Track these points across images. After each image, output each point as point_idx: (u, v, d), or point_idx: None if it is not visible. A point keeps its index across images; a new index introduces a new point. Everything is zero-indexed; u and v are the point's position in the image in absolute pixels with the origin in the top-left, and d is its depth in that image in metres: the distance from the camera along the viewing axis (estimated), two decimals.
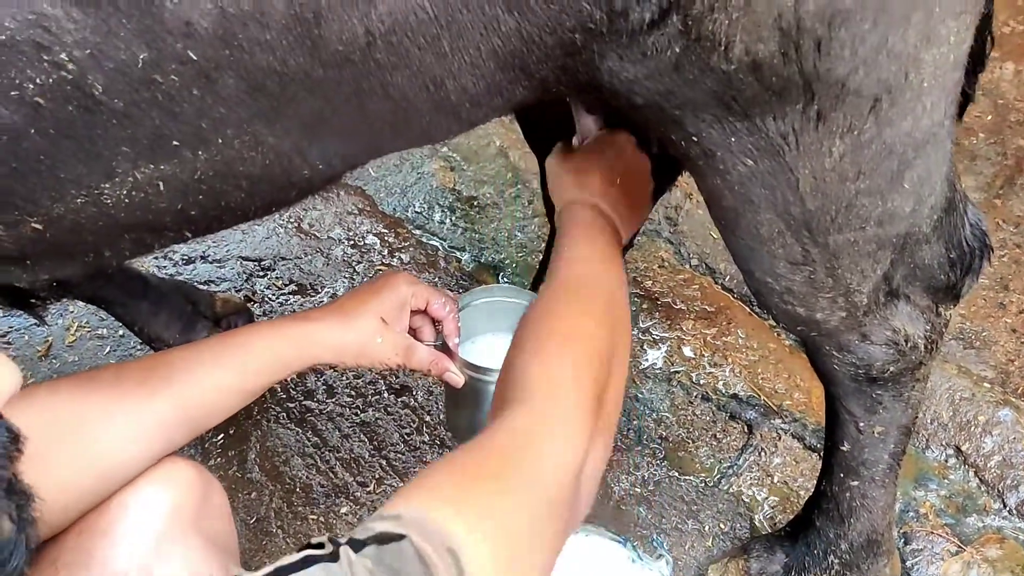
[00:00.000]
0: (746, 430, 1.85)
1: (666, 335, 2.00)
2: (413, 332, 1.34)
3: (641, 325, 2.01)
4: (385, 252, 2.18)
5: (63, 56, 0.74)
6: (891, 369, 1.24)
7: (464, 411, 1.46)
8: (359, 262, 2.16)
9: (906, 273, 1.17)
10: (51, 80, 0.75)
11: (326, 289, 2.11)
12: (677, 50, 0.88)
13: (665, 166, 1.27)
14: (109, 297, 1.68)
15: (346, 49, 0.81)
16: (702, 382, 1.93)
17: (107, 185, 0.86)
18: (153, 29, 0.74)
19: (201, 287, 2.09)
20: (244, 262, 2.17)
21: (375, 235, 2.22)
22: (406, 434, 1.86)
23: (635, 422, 1.87)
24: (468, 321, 1.43)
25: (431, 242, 2.22)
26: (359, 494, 1.77)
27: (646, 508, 1.73)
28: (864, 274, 1.12)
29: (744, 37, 0.86)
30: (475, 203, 2.29)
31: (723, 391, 1.91)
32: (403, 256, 2.17)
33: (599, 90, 0.95)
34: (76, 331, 2.05)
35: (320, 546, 0.72)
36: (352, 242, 2.21)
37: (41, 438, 0.98)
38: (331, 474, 1.81)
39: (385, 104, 0.88)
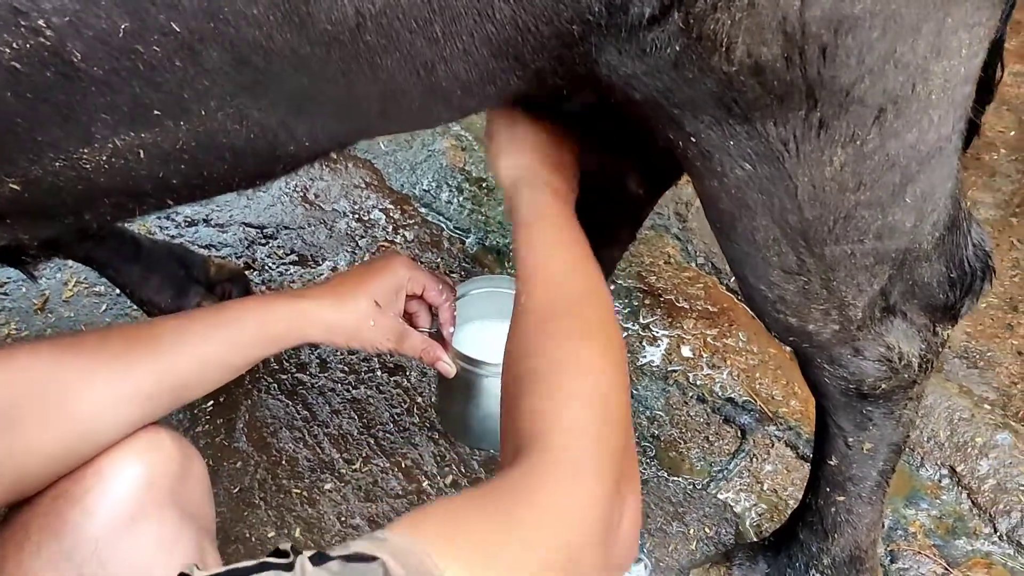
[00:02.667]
0: (739, 435, 1.83)
1: (666, 333, 1.97)
2: (409, 317, 1.32)
3: (641, 321, 1.99)
4: (390, 228, 2.17)
5: (41, 22, 0.72)
6: (883, 386, 1.21)
7: (455, 401, 1.44)
8: (362, 236, 2.14)
9: (904, 290, 1.14)
10: (28, 45, 0.73)
11: (327, 262, 2.10)
12: (677, 48, 0.85)
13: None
14: (100, 259, 1.67)
15: (335, 29, 0.79)
16: (699, 383, 1.90)
17: (86, 150, 0.85)
18: None
19: (201, 251, 2.08)
20: (247, 228, 2.15)
21: (381, 210, 2.20)
22: (396, 414, 1.84)
23: None
24: (466, 308, 1.41)
25: (436, 221, 2.20)
26: (344, 471, 1.76)
27: None
28: (860, 288, 1.09)
29: (746, 39, 0.83)
30: (484, 185, 2.27)
31: (719, 393, 1.89)
32: (407, 234, 2.15)
33: (596, 83, 0.93)
34: (74, 287, 2.05)
35: (284, 554, 0.70)
36: (357, 216, 2.19)
37: (18, 399, 0.98)
38: (318, 449, 1.79)
39: (374, 86, 0.86)
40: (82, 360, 1.03)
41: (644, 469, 1.77)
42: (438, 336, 1.34)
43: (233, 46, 0.80)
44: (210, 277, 1.85)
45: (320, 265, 2.09)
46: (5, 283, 2.02)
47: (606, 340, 0.98)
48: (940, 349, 1.24)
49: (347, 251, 2.12)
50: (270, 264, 2.09)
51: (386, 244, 2.13)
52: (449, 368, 1.31)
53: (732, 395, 1.88)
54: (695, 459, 1.80)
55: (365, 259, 2.10)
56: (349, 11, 0.78)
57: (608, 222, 1.54)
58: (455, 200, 2.24)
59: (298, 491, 1.74)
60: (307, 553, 0.69)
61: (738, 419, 1.85)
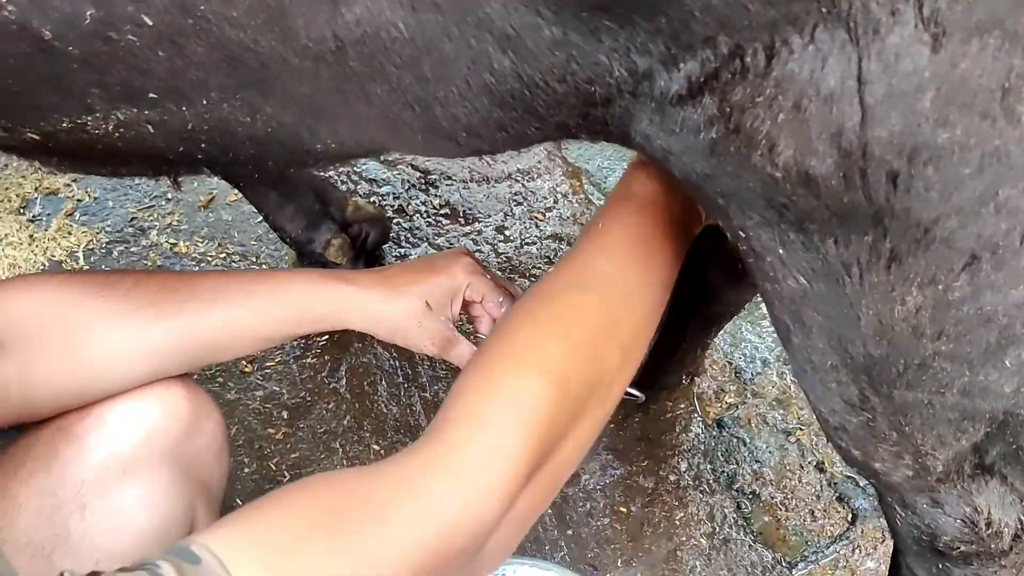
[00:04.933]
0: (849, 519, 1.63)
1: (798, 386, 1.78)
2: (472, 320, 1.24)
3: (780, 367, 1.80)
4: (549, 200, 2.07)
5: None
6: (961, 548, 1.01)
7: None
8: (519, 204, 2.06)
9: (1005, 452, 0.93)
10: None
11: (478, 222, 2.04)
12: (713, 135, 0.70)
13: None
14: (240, 177, 1.68)
15: (316, 48, 0.70)
16: (822, 449, 1.71)
17: (89, 119, 0.82)
18: None
19: (364, 184, 2.08)
20: (412, 170, 2.12)
21: (548, 179, 2.11)
22: None
23: (731, 466, 1.69)
24: None
25: (600, 203, 2.07)
26: None
27: (703, 564, 1.57)
28: (942, 440, 0.90)
29: (792, 143, 0.67)
30: None
31: (841, 467, 1.68)
32: (563, 210, 2.04)
33: (635, 147, 0.79)
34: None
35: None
36: (522, 181, 2.10)
37: (37, 328, 0.99)
38: (409, 411, 1.77)
39: (371, 110, 0.77)
40: (109, 303, 1.02)
41: (731, 528, 1.62)
42: None
43: (220, 44, 0.73)
44: (346, 216, 1.84)
45: (469, 224, 2.03)
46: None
47: (593, 340, 0.86)
48: None
49: (500, 215, 2.05)
50: (422, 212, 2.05)
51: (539, 216, 2.04)
52: None
53: (854, 474, 1.67)
54: (791, 531, 1.62)
55: (515, 227, 2.02)
56: (327, 34, 0.69)
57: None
58: None
59: (377, 448, 1.72)
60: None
61: (854, 501, 1.65)
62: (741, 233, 0.79)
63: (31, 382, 0.99)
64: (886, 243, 0.72)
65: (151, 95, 0.79)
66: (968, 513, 0.98)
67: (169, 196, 2.10)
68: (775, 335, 1.81)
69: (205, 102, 0.80)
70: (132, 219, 2.06)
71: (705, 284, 1.40)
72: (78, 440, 1.01)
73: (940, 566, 1.07)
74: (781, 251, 0.77)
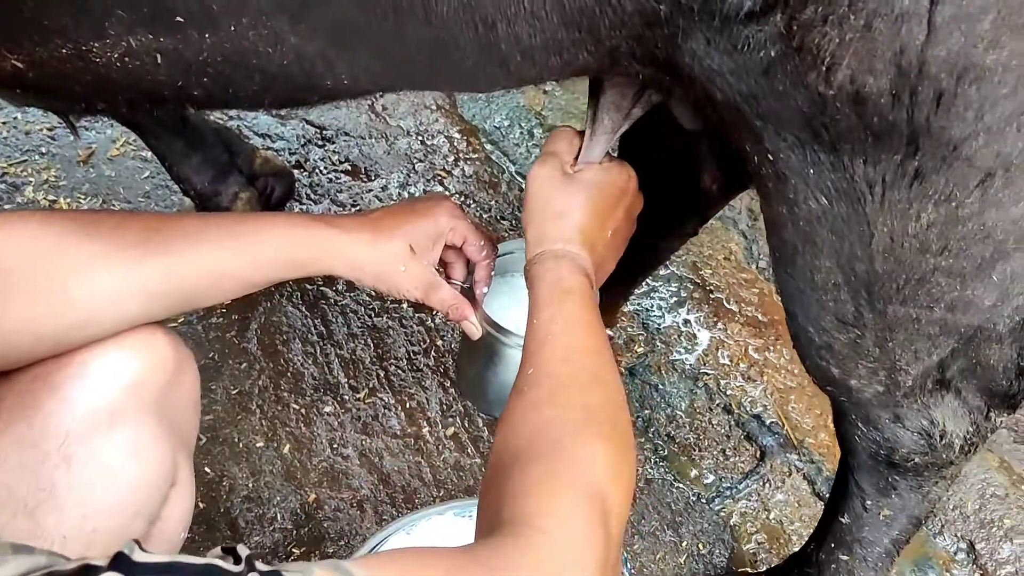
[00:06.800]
0: (758, 455, 1.73)
1: (707, 332, 1.87)
2: (444, 266, 1.24)
3: (684, 314, 1.88)
4: (451, 158, 2.07)
5: None
6: (915, 459, 1.11)
7: (474, 364, 1.35)
8: (421, 160, 2.05)
9: (965, 367, 1.02)
10: None
11: (379, 179, 2.02)
12: (772, 54, 0.74)
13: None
14: (144, 125, 1.60)
15: None
16: (729, 392, 1.80)
17: (96, 44, 0.77)
18: None
19: (256, 138, 2.01)
20: (307, 126, 2.08)
21: (446, 137, 2.11)
22: (413, 352, 1.77)
23: (647, 412, 1.76)
24: (506, 264, 1.32)
25: (500, 161, 2.10)
26: (347, 398, 1.70)
27: None
28: (917, 355, 0.98)
29: (853, 63, 0.72)
30: None
31: (747, 408, 1.78)
32: (466, 168, 2.05)
33: (675, 72, 0.82)
34: (122, 146, 2.00)
35: (236, 556, 0.62)
36: (421, 138, 2.10)
37: (17, 267, 0.91)
38: (327, 369, 1.73)
39: (425, 31, 0.76)
40: (94, 243, 0.96)
41: (651, 468, 1.68)
42: (469, 292, 1.25)
43: None
44: (254, 169, 1.78)
45: (371, 180, 2.01)
46: (54, 128, 1.98)
47: (612, 436, 0.89)
48: (988, 435, 1.12)
49: (402, 171, 2.03)
50: (321, 168, 2.01)
51: (442, 173, 2.04)
52: (475, 330, 1.23)
53: (760, 413, 1.78)
54: (706, 469, 1.71)
55: (419, 184, 2.02)
56: None
57: (672, 211, 1.42)
58: (524, 144, 2.13)
59: (296, 407, 1.68)
60: (262, 567, 0.62)
61: (761, 439, 1.75)
62: (769, 156, 0.84)
63: (11, 325, 0.91)
64: (914, 161, 0.78)
65: (178, 18, 0.75)
66: (925, 426, 1.08)
67: (43, 150, 1.97)
68: (675, 274, 1.90)
69: (233, 28, 0.77)
70: (3, 174, 1.92)
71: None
72: (59, 388, 0.94)
73: (889, 479, 1.16)
74: (810, 170, 0.82)
